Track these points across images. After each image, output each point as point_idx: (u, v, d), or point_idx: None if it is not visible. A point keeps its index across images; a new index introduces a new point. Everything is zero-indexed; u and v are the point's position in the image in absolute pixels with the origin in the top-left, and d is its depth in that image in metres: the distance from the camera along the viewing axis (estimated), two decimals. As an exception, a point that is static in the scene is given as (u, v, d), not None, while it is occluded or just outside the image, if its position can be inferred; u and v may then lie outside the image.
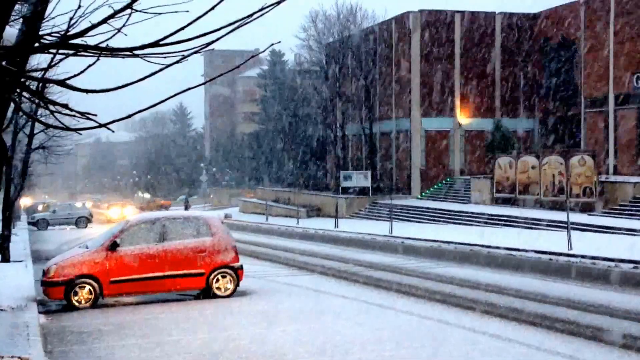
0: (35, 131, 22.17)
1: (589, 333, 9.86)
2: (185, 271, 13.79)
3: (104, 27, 4.22)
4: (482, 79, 44.86)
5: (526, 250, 20.49)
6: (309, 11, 52.49)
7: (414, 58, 44.21)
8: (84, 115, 4.45)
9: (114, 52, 4.20)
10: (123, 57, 4.24)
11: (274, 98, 65.67)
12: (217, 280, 14.01)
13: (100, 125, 4.53)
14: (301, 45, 54.49)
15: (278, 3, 4.12)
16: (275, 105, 64.70)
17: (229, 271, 14.06)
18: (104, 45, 4.21)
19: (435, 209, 37.55)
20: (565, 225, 20.73)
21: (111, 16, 4.14)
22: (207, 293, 14.06)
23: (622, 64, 34.58)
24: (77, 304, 13.18)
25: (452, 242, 24.00)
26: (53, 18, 5.12)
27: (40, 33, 4.67)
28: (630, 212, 28.25)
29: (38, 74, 5.94)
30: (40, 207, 56.23)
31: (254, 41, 66.03)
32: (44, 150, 24.46)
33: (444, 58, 44.36)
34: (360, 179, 44.77)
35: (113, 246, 13.49)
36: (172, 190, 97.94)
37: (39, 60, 14.32)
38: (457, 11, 45.08)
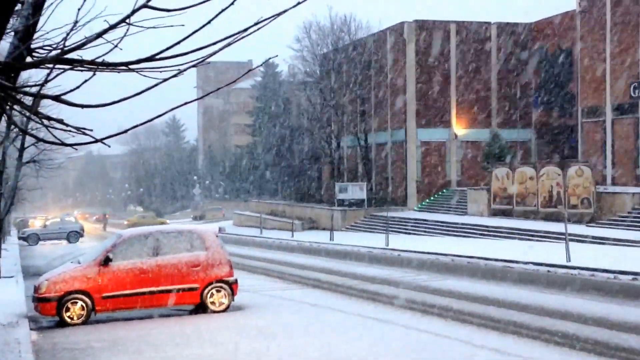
0: (25, 145, 22.00)
1: (589, 346, 9.77)
2: (179, 286, 13.65)
3: (96, 41, 4.15)
4: (478, 89, 44.97)
5: (524, 262, 20.41)
6: (303, 22, 52.62)
7: (409, 68, 44.30)
8: (79, 130, 4.36)
9: (110, 66, 4.13)
10: (119, 72, 4.17)
11: (268, 110, 65.73)
12: (212, 294, 13.87)
13: (96, 141, 4.44)
14: (295, 56, 54.63)
15: (274, 17, 4.07)
16: (269, 117, 64.74)
17: (224, 285, 13.93)
18: (100, 59, 4.14)
19: (432, 220, 37.49)
20: (563, 236, 20.68)
21: (107, 30, 4.07)
22: (201, 308, 13.92)
23: (619, 73, 34.68)
24: (69, 320, 13.02)
25: (449, 255, 23.90)
26: (47, 32, 5.05)
27: (33, 46, 4.59)
28: (628, 223, 28.18)
29: (30, 89, 5.84)
30: (30, 222, 56.11)
31: (247, 52, 66.17)
32: (35, 164, 24.28)
33: (440, 68, 44.47)
34: (356, 191, 44.69)
35: (105, 261, 13.34)
36: (165, 204, 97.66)
37: (30, 73, 14.20)
38: (453, 21, 45.24)
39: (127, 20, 4.01)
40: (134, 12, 3.99)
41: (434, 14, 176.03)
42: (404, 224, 38.42)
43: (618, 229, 27.76)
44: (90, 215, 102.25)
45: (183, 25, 4.22)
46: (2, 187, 21.26)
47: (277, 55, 5.45)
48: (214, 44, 4.07)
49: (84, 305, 13.10)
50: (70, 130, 4.46)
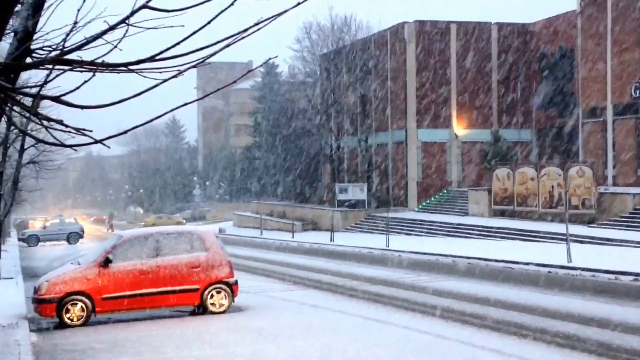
0: (25, 146, 21.98)
1: (590, 347, 9.74)
2: (179, 287, 13.62)
3: (96, 42, 4.13)
4: (479, 89, 44.94)
5: (525, 263, 20.38)
6: (303, 22, 52.60)
7: (410, 69, 44.28)
8: (79, 131, 4.34)
9: (109, 67, 4.11)
10: (119, 72, 4.15)
11: (268, 110, 65.66)
12: (212, 296, 13.84)
13: (96, 142, 4.42)
14: (295, 56, 54.61)
15: (274, 17, 4.05)
16: (269, 118, 64.68)
17: (224, 287, 13.91)
18: (99, 60, 4.13)
19: (433, 221, 37.46)
20: (565, 237, 20.65)
21: (107, 31, 4.05)
22: (201, 309, 13.89)
23: (620, 73, 34.63)
24: (69, 321, 12.99)
25: (450, 255, 23.88)
26: (47, 33, 5.04)
27: (32, 47, 4.57)
28: (629, 224, 28.12)
29: (29, 89, 5.82)
30: (29, 223, 56.10)
31: (247, 53, 66.21)
32: (35, 165, 24.25)
33: (440, 69, 44.43)
34: (357, 191, 44.64)
35: (105, 262, 13.31)
36: (165, 205, 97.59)
37: (29, 74, 14.19)
38: (453, 22, 45.20)
39: (127, 21, 3.99)
40: (133, 12, 3.97)
41: (434, 14, 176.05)
42: (405, 224, 38.39)
43: (619, 229, 27.71)
44: (88, 216, 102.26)
45: (183, 25, 4.20)
46: (1, 188, 21.24)
47: (277, 56, 5.44)
48: (214, 44, 4.05)
49: (83, 306, 13.07)
50: (69, 131, 4.44)
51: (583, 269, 18.30)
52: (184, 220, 68.97)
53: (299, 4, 4.14)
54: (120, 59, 4.14)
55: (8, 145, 20.68)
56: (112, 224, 67.05)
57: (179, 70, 4.09)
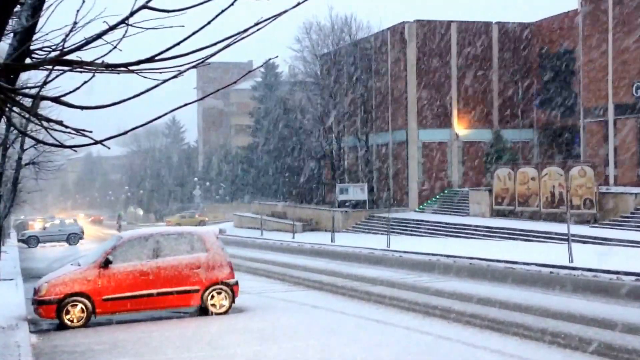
0: (25, 147, 21.94)
1: (592, 348, 9.71)
2: (179, 288, 13.60)
3: (96, 42, 4.11)
4: (479, 89, 44.88)
5: (527, 263, 20.35)
6: (303, 22, 52.59)
7: (410, 69, 44.24)
8: (79, 132, 4.32)
9: (109, 67, 4.09)
10: (119, 73, 4.13)
11: (268, 110, 65.65)
12: (212, 297, 13.82)
13: (96, 142, 4.40)
14: (295, 56, 54.57)
15: (274, 18, 4.03)
16: (270, 118, 64.67)
17: (225, 287, 13.88)
18: (99, 60, 4.11)
19: (434, 221, 37.42)
20: (566, 237, 20.61)
21: (106, 31, 4.03)
22: (202, 310, 13.87)
23: (621, 73, 34.61)
24: (69, 322, 12.97)
25: (451, 256, 23.85)
26: (46, 34, 5.02)
27: (32, 48, 4.54)
28: (631, 224, 28.07)
29: (29, 90, 5.79)
30: (29, 224, 56.13)
31: (246, 53, 66.23)
32: (34, 166, 24.22)
33: (441, 68, 44.39)
34: (357, 192, 44.59)
35: (105, 263, 13.29)
36: (166, 205, 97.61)
37: (29, 74, 14.16)
38: (453, 21, 45.16)
39: (127, 22, 3.97)
40: (133, 13, 3.95)
41: (434, 13, 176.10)
42: (406, 225, 38.36)
43: (621, 229, 27.65)
44: (86, 216, 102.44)
45: (183, 26, 4.19)
46: (1, 189, 21.24)
47: (277, 56, 5.43)
48: (214, 44, 4.03)
49: (84, 307, 13.05)
50: (69, 132, 4.42)
51: (584, 269, 18.27)
52: (207, 218, 69.80)
53: (299, 4, 4.12)
54: (120, 60, 4.12)
55: (8, 146, 20.65)
56: (120, 224, 67.48)
57: (179, 70, 4.07)
